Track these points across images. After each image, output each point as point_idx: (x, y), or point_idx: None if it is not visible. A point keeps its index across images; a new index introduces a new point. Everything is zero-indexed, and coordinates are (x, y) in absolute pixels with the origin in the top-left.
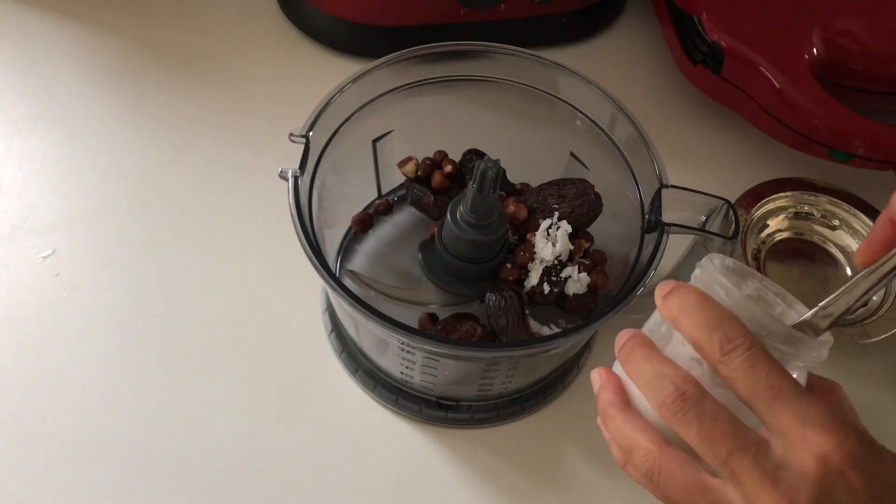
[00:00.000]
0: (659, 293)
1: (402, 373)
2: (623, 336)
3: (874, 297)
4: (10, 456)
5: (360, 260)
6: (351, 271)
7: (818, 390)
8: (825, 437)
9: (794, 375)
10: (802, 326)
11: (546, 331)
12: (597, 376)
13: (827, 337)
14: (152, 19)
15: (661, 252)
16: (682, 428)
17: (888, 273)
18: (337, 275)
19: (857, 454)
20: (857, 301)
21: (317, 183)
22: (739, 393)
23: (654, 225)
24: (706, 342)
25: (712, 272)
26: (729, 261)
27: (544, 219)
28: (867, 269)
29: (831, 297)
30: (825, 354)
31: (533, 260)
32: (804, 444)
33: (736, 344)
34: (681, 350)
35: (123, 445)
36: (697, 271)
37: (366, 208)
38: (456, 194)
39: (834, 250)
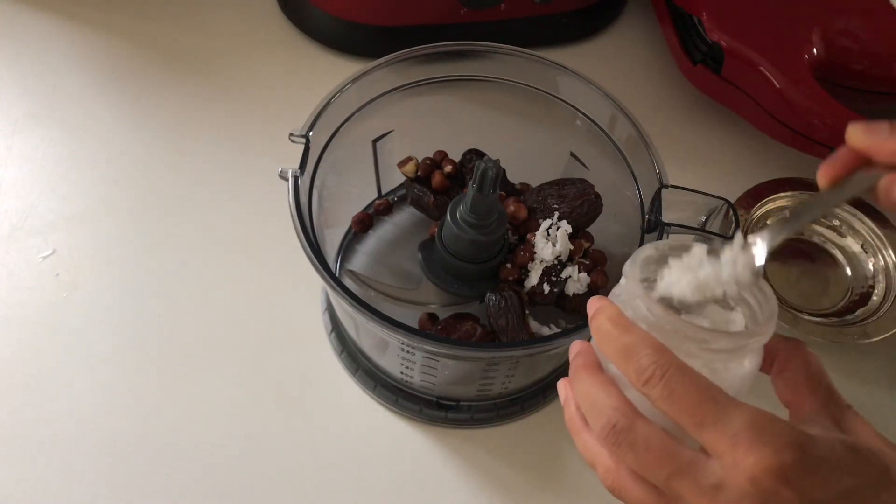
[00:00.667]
0: (588, 311)
1: (402, 373)
2: (572, 350)
3: (874, 297)
4: (9, 456)
5: (360, 260)
6: (351, 271)
7: (783, 354)
8: (755, 457)
9: (746, 361)
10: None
11: (546, 331)
12: (562, 387)
13: (770, 309)
14: (152, 19)
15: None
16: (620, 457)
17: (849, 193)
18: (337, 275)
19: (789, 470)
20: (817, 217)
21: (317, 183)
22: (669, 418)
23: (654, 225)
24: (625, 372)
25: (631, 283)
26: (661, 244)
27: (544, 219)
28: (831, 189)
29: (797, 214)
30: (770, 330)
31: (533, 260)
32: (736, 466)
33: (649, 374)
34: None
35: (123, 445)
36: (622, 281)
37: (366, 208)
38: (456, 194)
39: (834, 250)
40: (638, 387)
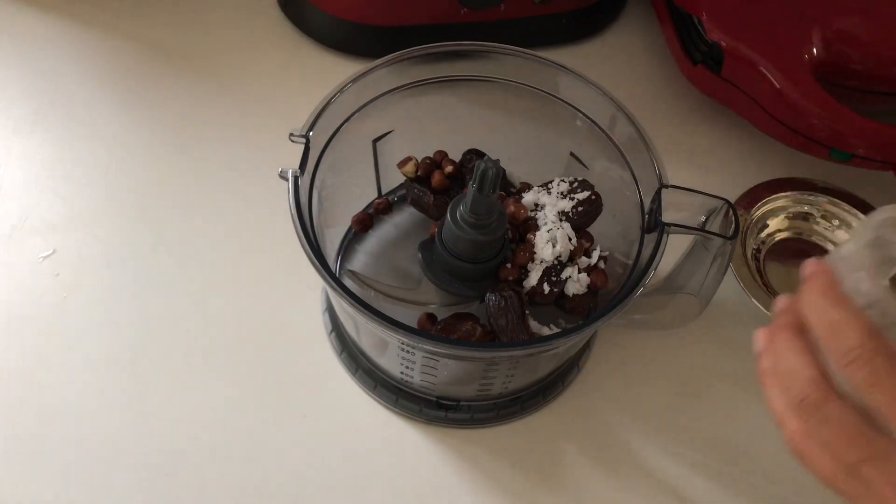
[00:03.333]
0: (802, 272)
1: (402, 373)
2: (778, 302)
3: None
4: (9, 456)
5: (360, 260)
6: (351, 271)
7: None
8: None
9: None
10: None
11: (546, 331)
12: (760, 337)
13: None
14: (153, 19)
15: (661, 252)
16: (809, 430)
17: None
18: (337, 275)
19: None
20: None
21: (317, 183)
22: (867, 404)
23: (654, 225)
24: (828, 347)
25: (860, 251)
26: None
27: (544, 221)
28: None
29: None
30: None
31: (533, 260)
32: None
33: (854, 356)
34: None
35: (123, 446)
36: (849, 246)
37: (366, 208)
38: (456, 194)
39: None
40: (840, 365)
